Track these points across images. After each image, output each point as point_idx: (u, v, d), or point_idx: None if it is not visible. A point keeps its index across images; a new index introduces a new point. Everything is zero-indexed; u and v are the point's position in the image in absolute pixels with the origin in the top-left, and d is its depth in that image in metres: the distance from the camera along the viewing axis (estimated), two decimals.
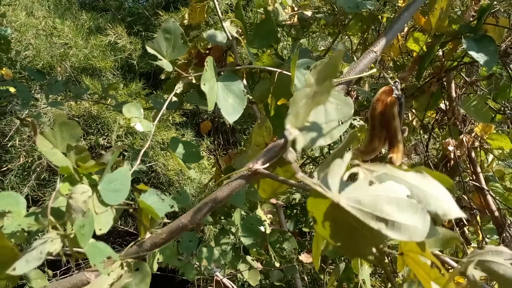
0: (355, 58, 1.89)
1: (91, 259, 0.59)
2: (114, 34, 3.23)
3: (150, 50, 0.80)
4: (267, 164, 0.75)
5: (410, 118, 2.04)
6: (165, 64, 0.80)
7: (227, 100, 0.80)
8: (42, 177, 2.82)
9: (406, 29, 1.84)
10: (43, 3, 3.32)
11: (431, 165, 1.84)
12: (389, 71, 1.93)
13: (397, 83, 0.78)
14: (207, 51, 1.43)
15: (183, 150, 0.80)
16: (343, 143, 0.45)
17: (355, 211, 0.38)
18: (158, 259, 0.94)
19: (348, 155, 0.42)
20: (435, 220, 0.39)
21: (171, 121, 3.30)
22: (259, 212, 1.65)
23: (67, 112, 2.84)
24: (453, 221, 1.49)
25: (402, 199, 0.39)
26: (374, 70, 0.80)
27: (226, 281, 1.54)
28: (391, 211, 0.38)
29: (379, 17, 1.74)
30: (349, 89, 0.81)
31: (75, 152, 0.71)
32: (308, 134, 0.74)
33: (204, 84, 0.75)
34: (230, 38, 1.79)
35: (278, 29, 2.02)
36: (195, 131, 3.39)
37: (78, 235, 0.58)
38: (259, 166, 0.74)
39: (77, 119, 2.99)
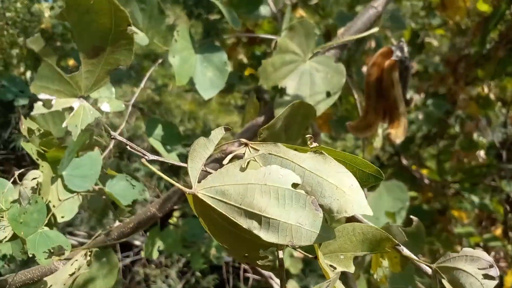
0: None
1: (30, 248, 0.55)
2: (174, 16, 3.25)
3: None
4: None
5: (486, 90, 1.79)
6: (140, 37, 0.74)
7: (205, 73, 0.71)
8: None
9: None
10: None
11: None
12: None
13: (401, 43, 0.64)
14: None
15: (161, 132, 0.73)
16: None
17: (217, 205, 0.29)
18: (159, 246, 0.89)
19: (217, 132, 0.32)
20: (330, 217, 0.28)
21: (233, 104, 3.27)
22: None
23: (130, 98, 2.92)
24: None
25: (284, 189, 0.28)
26: (375, 29, 0.66)
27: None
28: (265, 205, 0.28)
29: None
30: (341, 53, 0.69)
31: (39, 136, 0.67)
32: None
33: (174, 57, 0.67)
34: (275, 11, 1.69)
35: None
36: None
37: (12, 224, 0.54)
38: (235, 147, 0.65)
39: (141, 105, 3.07)
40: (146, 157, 0.36)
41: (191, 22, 3.45)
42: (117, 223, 0.68)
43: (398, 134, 0.59)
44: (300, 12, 1.94)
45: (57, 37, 2.47)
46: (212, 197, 0.29)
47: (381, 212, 0.89)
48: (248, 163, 0.31)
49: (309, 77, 0.65)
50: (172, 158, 0.72)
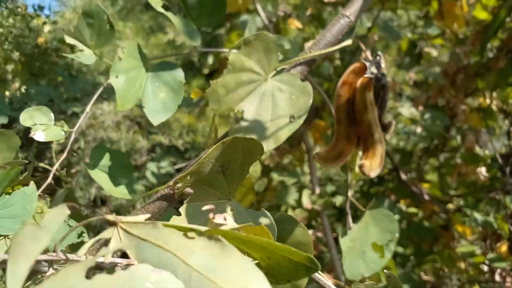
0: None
1: None
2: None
3: (69, 39, 0.64)
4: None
5: (488, 101, 1.67)
6: (86, 56, 0.64)
7: (157, 94, 0.61)
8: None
9: None
10: (108, 8, 3.36)
11: None
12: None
13: (378, 57, 0.54)
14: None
15: (109, 162, 0.63)
16: None
17: None
18: None
19: (55, 216, 0.21)
20: None
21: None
22: None
23: (127, 113, 2.84)
24: None
25: None
26: (348, 42, 0.56)
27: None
28: None
29: None
30: (307, 72, 0.58)
31: None
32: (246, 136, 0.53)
33: (116, 77, 0.57)
34: (267, 23, 1.58)
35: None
36: None
37: None
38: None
39: (139, 119, 2.99)
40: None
41: None
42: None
43: (372, 165, 0.49)
44: (296, 23, 1.84)
45: (52, 52, 2.40)
46: None
47: (367, 246, 0.78)
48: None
49: (270, 99, 0.54)
50: (120, 193, 0.61)
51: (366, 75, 0.51)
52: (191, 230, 0.20)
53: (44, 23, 2.33)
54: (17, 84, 2.37)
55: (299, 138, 1.47)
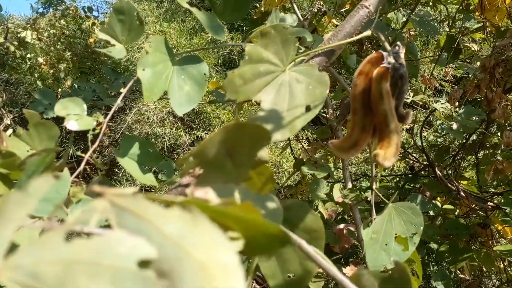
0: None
1: None
2: None
3: (102, 36, 0.67)
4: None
5: None
6: (117, 50, 0.66)
7: (183, 87, 0.62)
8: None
9: None
10: (154, 10, 3.44)
11: None
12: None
13: (397, 47, 0.52)
14: None
15: (138, 151, 0.65)
16: None
17: None
18: None
19: (42, 182, 0.22)
20: None
21: None
22: (322, 211, 1.43)
23: (171, 109, 2.91)
24: None
25: (124, 270, 0.18)
26: (367, 32, 0.54)
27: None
28: None
29: None
30: (328, 62, 0.57)
31: (0, 156, 0.61)
32: (264, 126, 0.53)
33: (143, 70, 0.59)
34: (301, 19, 1.58)
35: None
36: None
37: None
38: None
39: (182, 115, 3.05)
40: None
41: (231, 34, 3.41)
42: None
43: (387, 155, 0.47)
44: (334, 21, 1.82)
45: (101, 52, 2.49)
46: (19, 282, 0.19)
47: (390, 238, 0.76)
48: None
49: (288, 89, 0.54)
50: (147, 180, 0.63)
51: (382, 65, 0.50)
52: (168, 201, 0.20)
53: (93, 24, 2.43)
54: (68, 82, 2.48)
55: (332, 133, 1.45)
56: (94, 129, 0.67)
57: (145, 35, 3.21)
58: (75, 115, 0.62)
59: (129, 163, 0.63)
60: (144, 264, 0.19)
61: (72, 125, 0.61)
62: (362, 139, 0.51)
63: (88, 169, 2.42)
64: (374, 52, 0.54)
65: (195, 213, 0.19)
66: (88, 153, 0.63)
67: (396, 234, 0.76)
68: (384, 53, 0.51)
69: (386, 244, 0.76)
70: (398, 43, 0.53)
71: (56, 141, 0.69)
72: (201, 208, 0.20)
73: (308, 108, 0.52)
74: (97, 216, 0.21)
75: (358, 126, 0.51)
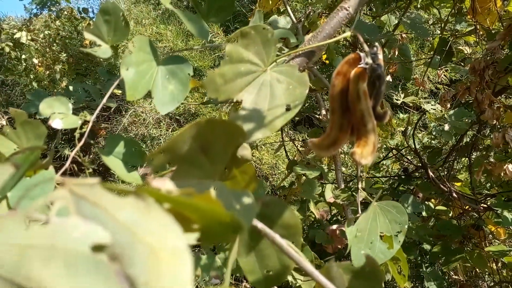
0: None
1: None
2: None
3: (88, 36, 0.68)
4: None
5: None
6: (103, 50, 0.67)
7: (167, 87, 0.63)
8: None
9: None
10: (151, 13, 3.46)
11: None
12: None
13: (375, 48, 0.54)
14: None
15: (123, 150, 0.66)
16: None
17: None
18: None
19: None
20: None
21: None
22: (313, 211, 1.44)
23: (172, 112, 2.92)
24: None
25: (77, 254, 0.20)
26: (347, 34, 0.56)
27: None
28: (49, 276, 0.19)
29: None
30: (307, 63, 0.59)
31: None
32: (245, 125, 0.55)
33: (127, 69, 0.60)
34: (295, 22, 1.59)
35: None
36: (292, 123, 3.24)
37: None
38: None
39: (178, 117, 3.06)
40: None
41: (227, 37, 3.43)
42: None
43: (364, 154, 0.49)
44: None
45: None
46: None
47: (375, 236, 0.77)
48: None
49: (269, 89, 0.55)
50: (132, 178, 0.65)
51: (360, 65, 0.51)
52: (124, 190, 0.21)
53: (89, 24, 2.44)
54: (64, 83, 2.49)
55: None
56: (81, 128, 0.68)
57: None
58: (60, 114, 0.63)
59: (113, 162, 0.64)
60: (98, 249, 0.20)
61: (56, 123, 0.62)
62: (340, 138, 0.52)
63: (77, 169, 2.43)
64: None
65: (148, 201, 0.20)
66: (75, 151, 0.64)
67: (381, 232, 0.78)
68: (362, 54, 0.52)
69: (371, 243, 0.77)
70: (376, 44, 0.54)
71: (43, 140, 0.70)
72: (154, 197, 0.21)
73: (288, 108, 0.54)
74: (57, 204, 0.22)
75: (336, 125, 0.52)
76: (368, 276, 0.41)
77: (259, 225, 0.40)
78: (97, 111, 0.67)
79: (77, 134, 0.73)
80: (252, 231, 0.50)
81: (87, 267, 0.19)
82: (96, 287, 0.19)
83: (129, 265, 0.20)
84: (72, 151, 0.69)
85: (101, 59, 2.55)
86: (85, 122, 0.69)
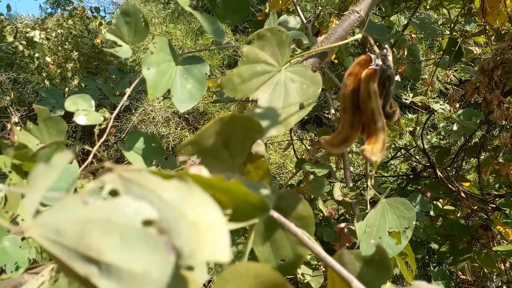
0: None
1: None
2: None
3: (110, 36, 0.72)
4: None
5: None
6: (124, 50, 0.71)
7: (185, 85, 0.67)
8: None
9: None
10: (160, 12, 3.50)
11: None
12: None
13: (385, 50, 0.57)
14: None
15: (142, 145, 0.70)
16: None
17: (52, 247, 0.24)
18: None
19: (61, 157, 0.27)
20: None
21: None
22: (322, 208, 1.47)
23: (176, 110, 2.96)
24: None
25: (130, 227, 0.23)
26: (358, 36, 0.59)
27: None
28: (106, 247, 0.23)
29: None
30: (320, 64, 0.62)
31: (13, 148, 0.66)
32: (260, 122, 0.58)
33: (148, 69, 0.64)
34: (304, 22, 1.62)
35: None
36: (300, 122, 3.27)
37: None
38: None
39: (186, 116, 3.10)
40: None
41: (235, 36, 3.46)
42: None
43: (374, 151, 0.52)
44: (336, 22, 1.86)
45: (107, 52, 2.55)
46: (47, 238, 0.24)
47: (384, 232, 0.80)
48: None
49: (283, 88, 0.59)
50: None
51: (370, 67, 0.54)
52: (167, 175, 0.25)
53: (100, 24, 2.49)
54: (75, 81, 2.54)
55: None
56: (100, 125, 0.72)
57: (151, 36, 3.27)
58: (83, 111, 0.67)
59: (134, 157, 0.68)
60: (147, 223, 0.23)
61: (81, 119, 0.65)
62: (351, 136, 0.55)
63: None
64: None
65: (189, 183, 0.24)
66: (96, 146, 0.67)
67: (390, 228, 0.81)
68: (372, 56, 0.55)
69: (379, 238, 0.80)
70: (386, 46, 0.57)
71: (64, 135, 0.74)
72: (194, 180, 0.24)
73: (301, 106, 0.57)
74: (108, 186, 0.26)
75: (348, 123, 0.55)
76: (378, 264, 0.44)
77: (275, 214, 0.44)
78: (117, 110, 0.71)
79: (96, 130, 0.77)
80: (267, 222, 0.54)
81: (139, 238, 0.23)
82: (148, 255, 0.23)
83: (175, 238, 0.23)
84: (85, 147, 0.72)
85: (112, 58, 2.59)
86: (104, 119, 0.73)
